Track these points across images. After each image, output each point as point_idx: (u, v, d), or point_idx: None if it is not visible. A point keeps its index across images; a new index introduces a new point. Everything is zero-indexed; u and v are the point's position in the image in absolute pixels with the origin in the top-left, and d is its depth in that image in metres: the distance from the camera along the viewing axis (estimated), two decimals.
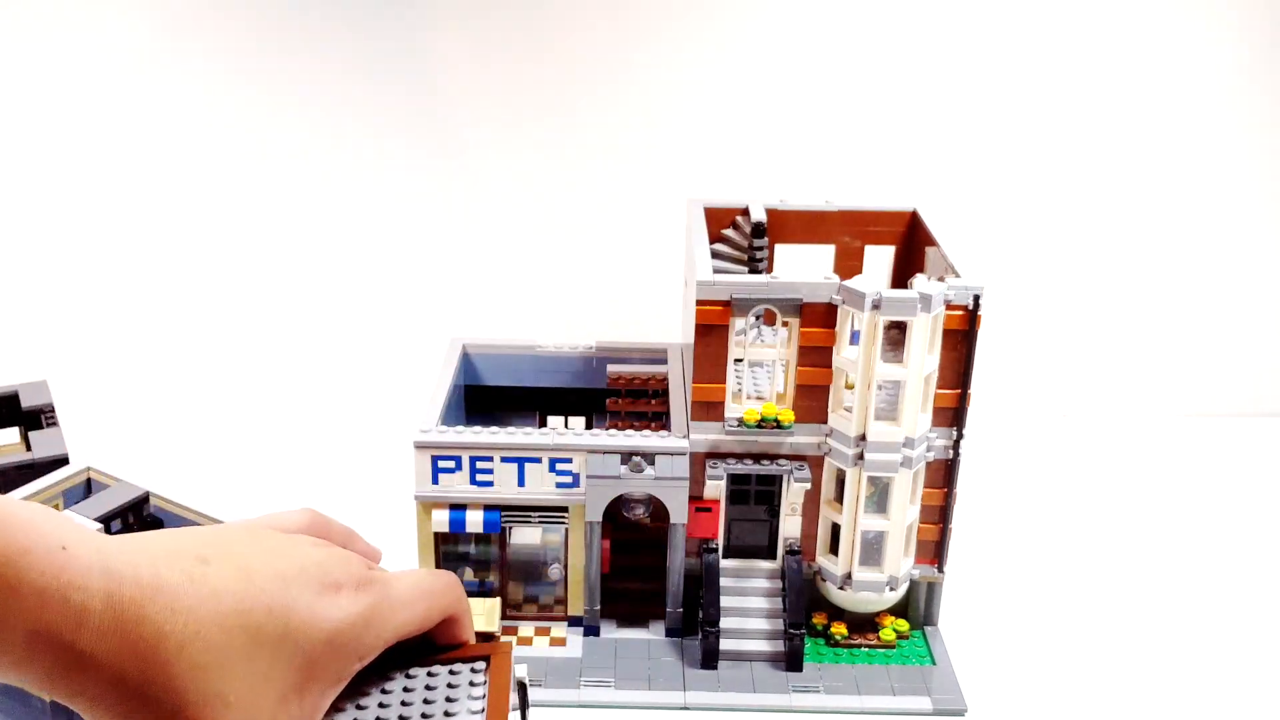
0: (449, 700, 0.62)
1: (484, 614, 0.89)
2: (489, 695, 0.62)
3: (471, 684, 0.63)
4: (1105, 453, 1.22)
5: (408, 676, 0.64)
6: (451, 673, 0.64)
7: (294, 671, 0.46)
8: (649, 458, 0.87)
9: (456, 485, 0.87)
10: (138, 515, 0.83)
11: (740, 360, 0.86)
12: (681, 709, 0.85)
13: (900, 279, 0.96)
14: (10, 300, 1.27)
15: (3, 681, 0.41)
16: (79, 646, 0.40)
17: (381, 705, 0.62)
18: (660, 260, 1.17)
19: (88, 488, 0.89)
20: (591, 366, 1.02)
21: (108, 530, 0.81)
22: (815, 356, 0.85)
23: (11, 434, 0.99)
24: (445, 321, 1.20)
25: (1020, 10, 1.18)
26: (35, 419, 0.96)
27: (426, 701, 0.62)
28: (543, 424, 1.03)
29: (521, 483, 0.87)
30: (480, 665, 0.65)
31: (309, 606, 0.47)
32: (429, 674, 0.64)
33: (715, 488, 0.88)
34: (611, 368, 1.01)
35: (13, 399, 0.97)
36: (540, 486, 0.88)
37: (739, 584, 0.91)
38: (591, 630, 0.91)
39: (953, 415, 0.86)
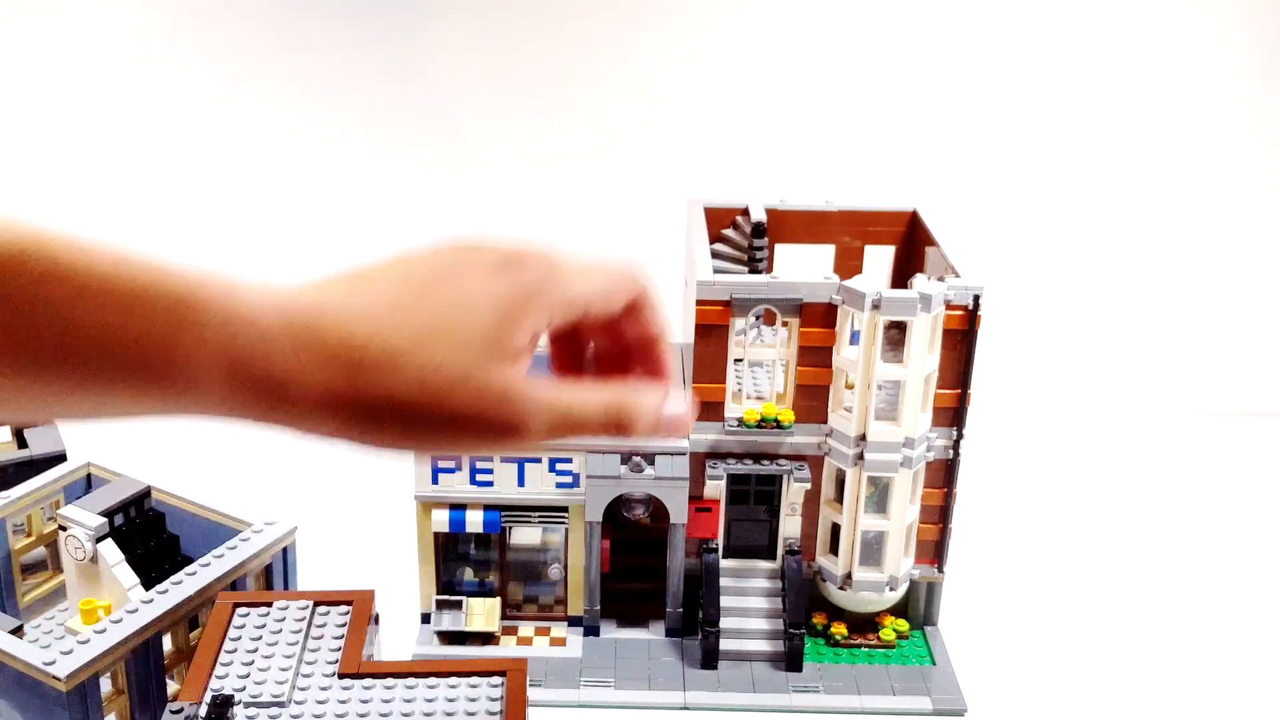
0: (469, 715, 0.62)
1: (484, 614, 0.89)
2: (506, 709, 0.62)
3: (490, 698, 0.63)
4: (1105, 453, 1.22)
5: (428, 688, 0.65)
6: (470, 685, 0.65)
7: (477, 347, 0.49)
8: (649, 458, 0.87)
9: (456, 485, 0.87)
10: (140, 510, 0.84)
11: (740, 360, 0.86)
12: (681, 709, 0.85)
13: (900, 279, 0.96)
14: None
15: (215, 417, 0.46)
16: (274, 369, 0.43)
17: (404, 715, 0.63)
18: (660, 260, 1.17)
19: (88, 483, 0.89)
20: None
21: (111, 525, 0.81)
22: (815, 356, 0.85)
23: (3, 433, 0.99)
24: None
25: (1020, 10, 1.18)
26: None
27: (448, 714, 0.62)
28: None
29: (521, 483, 0.87)
30: (497, 680, 0.65)
31: (480, 279, 0.49)
32: (449, 685, 0.65)
33: (715, 488, 0.88)
34: None
35: None
36: (540, 486, 0.88)
37: (739, 584, 0.91)
38: (591, 630, 0.91)
39: (953, 415, 0.86)
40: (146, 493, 0.84)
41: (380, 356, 0.47)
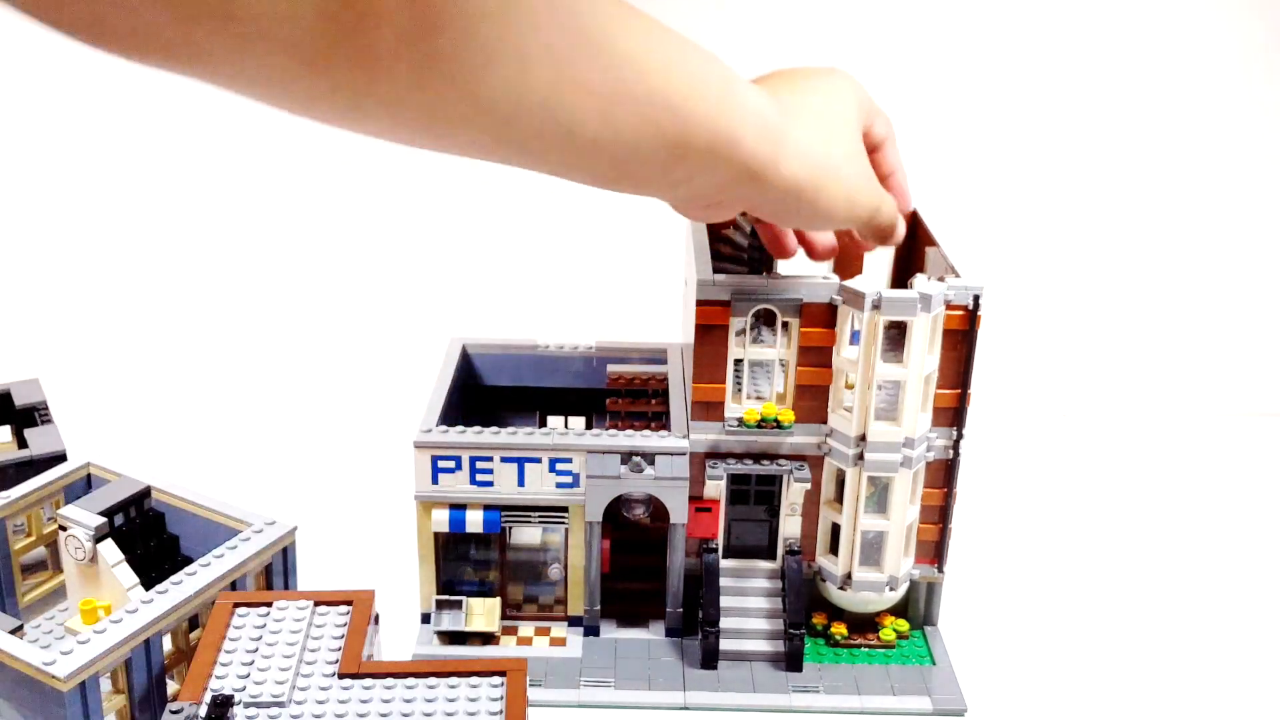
0: (469, 715, 0.63)
1: (484, 614, 0.89)
2: (506, 709, 0.63)
3: (490, 698, 0.64)
4: (1105, 452, 1.22)
5: (428, 688, 0.65)
6: (470, 685, 0.65)
7: (858, 146, 0.72)
8: (649, 458, 0.87)
9: (456, 485, 0.87)
10: (140, 510, 0.84)
11: (740, 360, 0.86)
12: (681, 709, 0.85)
13: (900, 279, 0.96)
14: (3, 298, 1.27)
15: (723, 188, 0.63)
16: (774, 141, 0.63)
17: (404, 715, 0.63)
18: (660, 260, 1.17)
19: (88, 483, 0.89)
20: (591, 366, 1.02)
21: (111, 525, 0.81)
22: (815, 356, 0.85)
23: (3, 432, 0.99)
24: (445, 321, 1.20)
25: (1020, 10, 1.18)
26: (29, 417, 0.96)
27: (448, 714, 0.63)
28: (543, 424, 1.03)
29: (521, 483, 0.87)
30: (497, 680, 0.65)
31: (833, 86, 0.72)
32: (449, 685, 0.65)
33: (715, 488, 0.88)
34: (611, 368, 1.01)
35: (4, 397, 0.98)
36: (540, 486, 0.88)
37: (739, 584, 0.91)
38: (591, 630, 0.91)
39: (953, 415, 0.86)
40: (146, 493, 0.84)
41: (818, 151, 0.66)
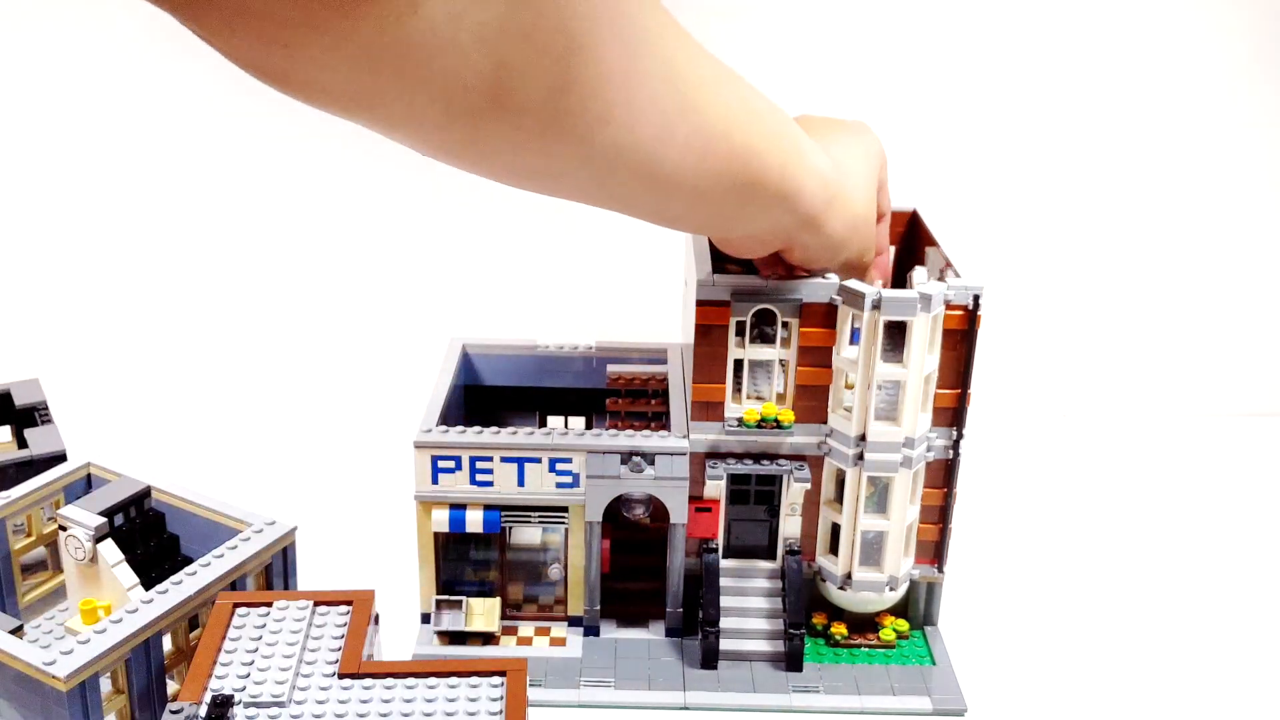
0: (469, 715, 0.63)
1: (484, 614, 0.89)
2: (506, 709, 0.63)
3: (490, 698, 0.64)
4: (1105, 453, 1.22)
5: (428, 688, 0.65)
6: (470, 685, 0.65)
7: (872, 207, 0.80)
8: (649, 458, 0.87)
9: (456, 485, 0.87)
10: (140, 510, 0.84)
11: (740, 360, 0.86)
12: (681, 709, 0.85)
13: (900, 279, 0.96)
14: (3, 298, 1.27)
15: (780, 234, 0.73)
16: (827, 196, 0.70)
17: (404, 715, 0.63)
18: (660, 260, 1.17)
19: (88, 483, 0.89)
20: (591, 366, 1.02)
21: (111, 525, 0.81)
22: (815, 356, 0.85)
23: (3, 432, 0.99)
24: (445, 321, 1.20)
25: (1019, 10, 1.18)
26: (29, 417, 0.97)
27: (448, 714, 0.63)
28: (543, 424, 1.03)
29: (521, 482, 0.87)
30: (497, 680, 0.65)
31: (862, 144, 0.80)
32: (449, 686, 0.65)
33: (715, 488, 0.88)
34: (611, 368, 1.01)
35: (4, 397, 0.98)
36: (540, 486, 0.88)
37: (739, 584, 0.91)
38: (591, 630, 0.91)
39: (953, 415, 0.86)
40: (146, 493, 0.84)
41: (856, 209, 0.74)
